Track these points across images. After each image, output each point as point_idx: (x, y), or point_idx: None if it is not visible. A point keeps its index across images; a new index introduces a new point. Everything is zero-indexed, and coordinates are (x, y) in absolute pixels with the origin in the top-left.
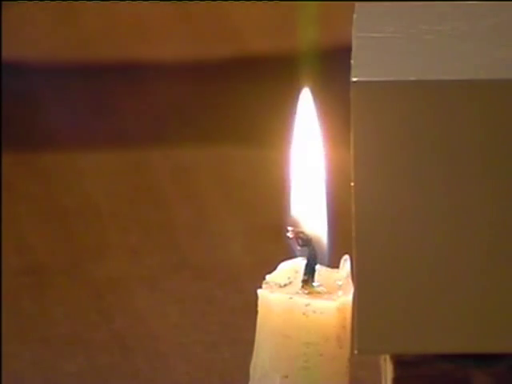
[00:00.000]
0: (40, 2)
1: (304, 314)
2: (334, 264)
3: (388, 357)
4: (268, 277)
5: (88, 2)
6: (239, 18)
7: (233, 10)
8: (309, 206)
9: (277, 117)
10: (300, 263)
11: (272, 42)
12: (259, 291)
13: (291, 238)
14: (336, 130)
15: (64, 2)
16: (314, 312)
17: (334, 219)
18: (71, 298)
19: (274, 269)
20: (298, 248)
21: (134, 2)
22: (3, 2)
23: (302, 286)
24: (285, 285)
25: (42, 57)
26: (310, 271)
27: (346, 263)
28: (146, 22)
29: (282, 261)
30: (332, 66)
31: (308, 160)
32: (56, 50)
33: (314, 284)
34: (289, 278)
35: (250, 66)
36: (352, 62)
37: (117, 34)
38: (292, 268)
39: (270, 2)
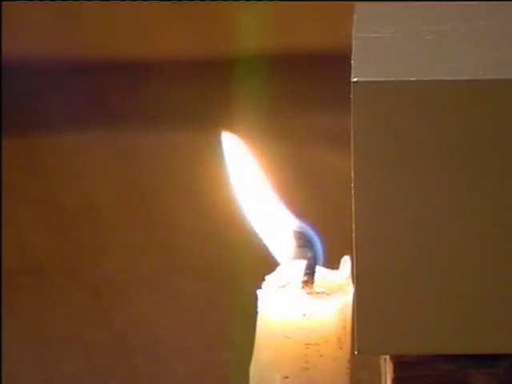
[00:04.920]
0: (40, 2)
1: (304, 314)
2: (334, 264)
3: (388, 357)
4: (268, 278)
5: (88, 2)
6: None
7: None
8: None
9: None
10: (300, 264)
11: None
12: (259, 292)
13: (291, 239)
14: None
15: (64, 2)
16: (314, 313)
17: (333, 219)
18: (71, 299)
19: (274, 269)
20: (298, 249)
21: (133, 2)
22: (3, 3)
23: (302, 287)
24: (284, 286)
25: (42, 56)
26: (310, 272)
27: (346, 264)
28: (146, 22)
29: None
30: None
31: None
32: (55, 49)
33: (314, 285)
34: (288, 278)
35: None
36: (352, 62)
37: (116, 33)
38: (292, 269)
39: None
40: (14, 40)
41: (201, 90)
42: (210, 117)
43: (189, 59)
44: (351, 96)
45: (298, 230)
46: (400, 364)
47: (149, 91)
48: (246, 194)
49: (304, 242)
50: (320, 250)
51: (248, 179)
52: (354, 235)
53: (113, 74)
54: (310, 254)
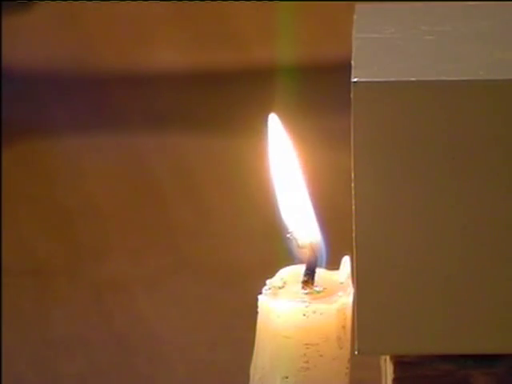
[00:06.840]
0: (39, 2)
1: (304, 314)
2: (335, 265)
3: (388, 357)
4: (268, 281)
5: (88, 3)
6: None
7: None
8: (296, 211)
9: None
10: (300, 267)
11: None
12: (260, 297)
13: (291, 240)
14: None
15: (64, 3)
16: (314, 313)
17: (332, 220)
18: (71, 299)
19: (275, 269)
20: (298, 249)
21: (133, 2)
22: (3, 3)
23: (302, 287)
24: (284, 286)
25: (43, 59)
26: (310, 272)
27: (346, 264)
28: (147, 24)
29: (283, 261)
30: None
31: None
32: (57, 52)
33: (313, 285)
34: (289, 279)
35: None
36: (352, 62)
37: (119, 37)
38: (292, 271)
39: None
40: (15, 43)
41: (204, 94)
42: (212, 120)
43: (192, 64)
44: (351, 96)
45: (307, 231)
46: (400, 364)
47: (151, 94)
48: (281, 176)
49: (305, 243)
50: (324, 256)
51: (286, 164)
52: (354, 235)
53: (115, 76)
54: (310, 255)
